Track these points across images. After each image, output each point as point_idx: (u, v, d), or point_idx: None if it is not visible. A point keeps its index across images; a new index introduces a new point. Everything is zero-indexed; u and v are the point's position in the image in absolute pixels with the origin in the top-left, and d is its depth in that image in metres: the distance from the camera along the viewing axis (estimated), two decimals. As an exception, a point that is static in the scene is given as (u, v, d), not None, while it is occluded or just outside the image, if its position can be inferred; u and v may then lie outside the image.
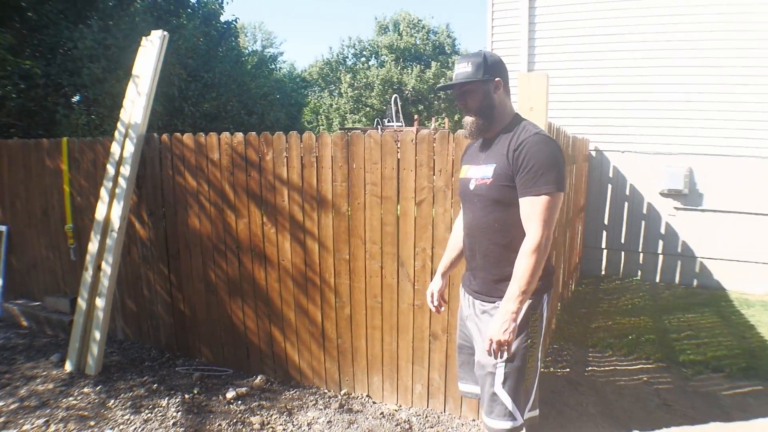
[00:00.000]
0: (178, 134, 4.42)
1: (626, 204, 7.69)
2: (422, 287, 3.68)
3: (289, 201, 4.01)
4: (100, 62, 7.71)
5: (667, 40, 7.17)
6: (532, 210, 2.20)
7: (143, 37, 4.88)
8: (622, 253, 7.78)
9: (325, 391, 4.14)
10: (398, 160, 3.67)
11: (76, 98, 8.57)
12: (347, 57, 37.34)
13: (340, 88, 34.89)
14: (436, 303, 2.83)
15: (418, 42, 35.22)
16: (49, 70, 7.51)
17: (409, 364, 3.84)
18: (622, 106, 7.47)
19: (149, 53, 4.76)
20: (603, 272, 7.90)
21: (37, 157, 5.45)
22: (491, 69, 2.36)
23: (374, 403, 3.98)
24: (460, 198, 2.56)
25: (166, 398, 4.04)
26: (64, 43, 7.79)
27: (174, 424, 3.72)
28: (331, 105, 35.01)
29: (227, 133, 4.19)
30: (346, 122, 33.04)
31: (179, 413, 3.84)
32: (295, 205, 3.99)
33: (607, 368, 4.65)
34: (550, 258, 2.44)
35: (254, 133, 4.09)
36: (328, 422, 3.71)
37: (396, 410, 3.87)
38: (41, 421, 3.73)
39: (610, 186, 7.75)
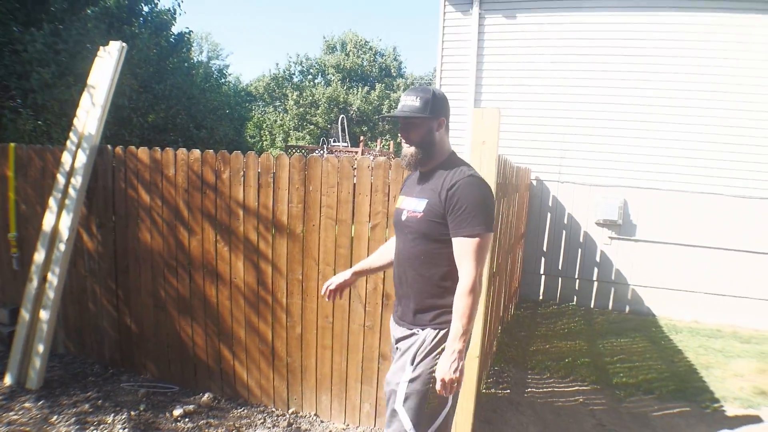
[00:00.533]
0: (133, 148, 4.40)
1: (564, 232, 8.03)
2: (373, 309, 3.78)
3: (244, 220, 4.05)
4: (50, 67, 7.52)
5: (603, 78, 7.60)
6: (464, 250, 2.29)
7: (101, 47, 4.84)
8: (560, 279, 8.10)
9: (274, 409, 4.17)
10: (354, 184, 3.79)
11: (17, 101, 8.30)
12: (294, 74, 37.30)
13: (285, 105, 34.78)
14: (332, 288, 2.82)
15: (364, 63, 35.59)
16: (-4, 71, 7.31)
17: (358, 384, 3.92)
18: (561, 139, 7.84)
19: (106, 64, 4.73)
20: (541, 297, 8.20)
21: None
22: (437, 107, 2.45)
23: (322, 422, 4.04)
24: (394, 226, 2.63)
25: (112, 414, 3.97)
26: (13, 45, 7.56)
27: (119, 440, 3.69)
28: (275, 121, 34.86)
29: (184, 150, 4.20)
30: (289, 139, 32.93)
31: (126, 430, 3.80)
32: (250, 224, 4.04)
33: (545, 390, 4.85)
34: None
35: (211, 151, 4.12)
36: (275, 440, 3.75)
37: (344, 429, 3.94)
38: (-22, 436, 3.63)
39: (549, 214, 8.08)
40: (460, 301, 2.28)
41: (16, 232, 5.06)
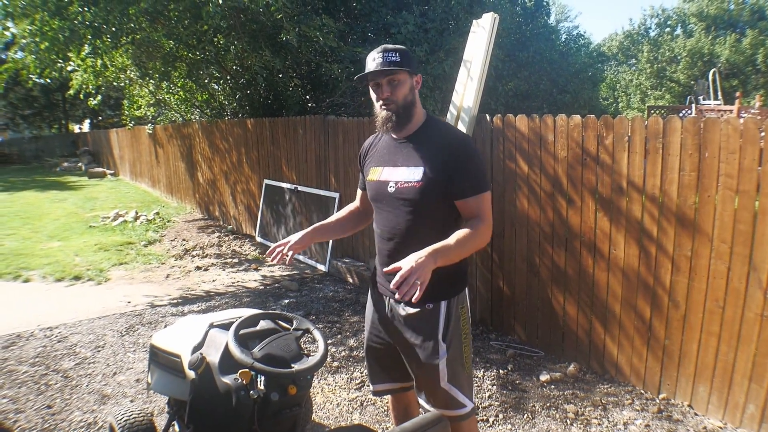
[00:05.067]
0: (511, 117, 4.53)
1: None
2: (776, 297, 3.25)
3: (627, 189, 3.85)
4: (421, 45, 8.24)
5: None
6: (481, 206, 2.23)
7: (474, 21, 5.05)
8: None
9: (642, 392, 3.93)
10: (761, 150, 3.28)
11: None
12: (650, 27, 34.87)
13: (639, 63, 32.95)
14: (285, 250, 2.43)
15: (731, 7, 31.27)
16: (375, 54, 8.23)
17: (745, 380, 3.42)
18: None
19: (479, 38, 4.91)
20: None
21: (370, 133, 6.02)
22: (414, 63, 2.31)
23: (696, 414, 3.66)
24: (372, 201, 2.45)
25: (482, 370, 4.22)
26: (386, 29, 8.46)
27: (490, 396, 3.88)
28: (631, 81, 33.08)
29: (563, 116, 4.17)
30: (647, 99, 30.97)
31: (494, 387, 3.99)
32: (633, 193, 3.82)
33: None
34: (466, 258, 2.34)
35: (593, 116, 4.01)
36: (645, 426, 3.52)
37: (721, 428, 3.50)
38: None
39: None
40: (472, 231, 2.16)
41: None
